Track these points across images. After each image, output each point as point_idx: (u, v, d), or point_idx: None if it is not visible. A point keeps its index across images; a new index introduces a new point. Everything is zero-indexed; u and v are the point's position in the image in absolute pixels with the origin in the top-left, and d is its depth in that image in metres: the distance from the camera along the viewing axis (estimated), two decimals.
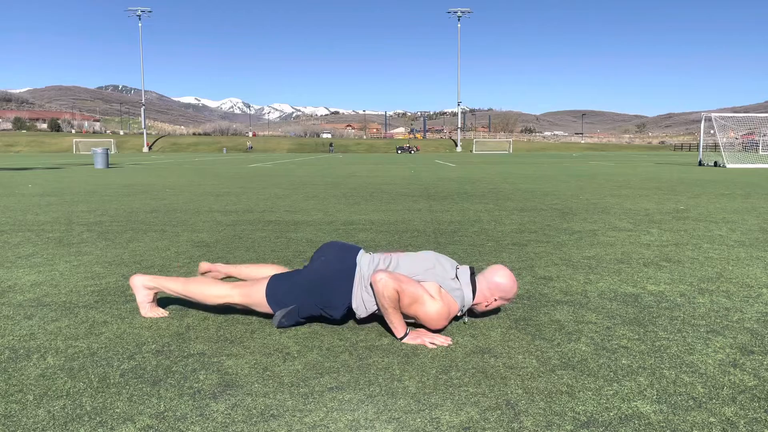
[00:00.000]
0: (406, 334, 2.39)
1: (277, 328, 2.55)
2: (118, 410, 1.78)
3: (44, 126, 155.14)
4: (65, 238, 5.06)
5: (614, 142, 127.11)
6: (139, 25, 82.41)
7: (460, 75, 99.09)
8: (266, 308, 2.54)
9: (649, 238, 4.97)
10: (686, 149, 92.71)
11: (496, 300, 2.58)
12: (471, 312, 2.68)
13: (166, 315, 2.73)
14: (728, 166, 21.79)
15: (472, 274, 2.60)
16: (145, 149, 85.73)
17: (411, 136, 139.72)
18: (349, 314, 2.58)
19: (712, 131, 27.61)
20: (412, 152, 79.12)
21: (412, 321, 2.48)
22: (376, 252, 2.73)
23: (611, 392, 1.91)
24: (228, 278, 3.00)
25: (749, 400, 1.86)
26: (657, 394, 1.89)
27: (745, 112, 29.69)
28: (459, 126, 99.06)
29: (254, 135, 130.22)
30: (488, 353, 2.26)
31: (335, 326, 2.59)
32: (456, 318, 2.65)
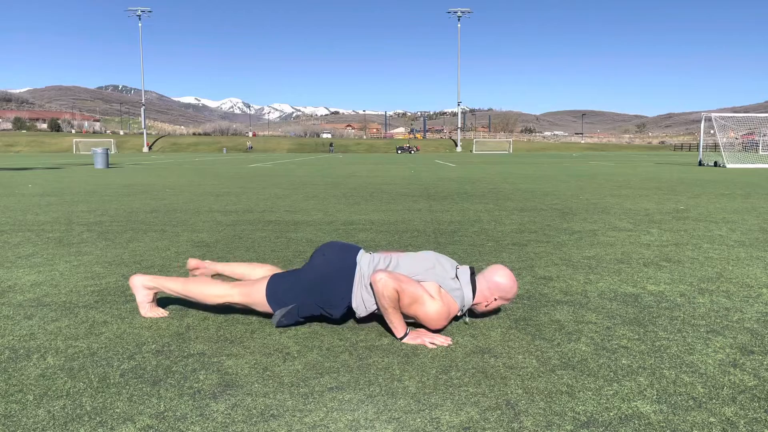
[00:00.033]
0: (406, 334, 2.39)
1: (277, 327, 2.55)
2: (118, 410, 1.78)
3: (44, 126, 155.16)
4: (65, 238, 5.06)
5: (614, 142, 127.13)
6: (139, 25, 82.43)
7: (460, 75, 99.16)
8: (266, 308, 2.55)
9: (649, 238, 4.97)
10: (686, 149, 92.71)
11: (495, 300, 2.58)
12: (471, 312, 2.68)
13: (166, 315, 2.73)
14: (728, 166, 21.79)
15: (472, 274, 2.60)
16: (145, 149, 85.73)
17: (411, 136, 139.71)
18: (349, 313, 2.59)
19: (712, 131, 27.62)
20: (412, 152, 79.12)
21: (412, 321, 2.48)
22: (376, 252, 2.73)
23: (611, 392, 1.91)
24: (217, 276, 2.99)
25: (749, 400, 1.86)
26: (657, 394, 1.89)
27: (745, 112, 29.70)
28: (459, 126, 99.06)
29: (254, 135, 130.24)
30: (488, 353, 2.26)
31: (335, 326, 2.59)
32: (456, 318, 2.65)
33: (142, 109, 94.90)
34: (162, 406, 1.81)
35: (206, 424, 1.70)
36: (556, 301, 3.00)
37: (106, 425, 1.69)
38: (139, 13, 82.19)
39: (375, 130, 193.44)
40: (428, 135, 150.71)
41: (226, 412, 1.77)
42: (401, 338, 2.38)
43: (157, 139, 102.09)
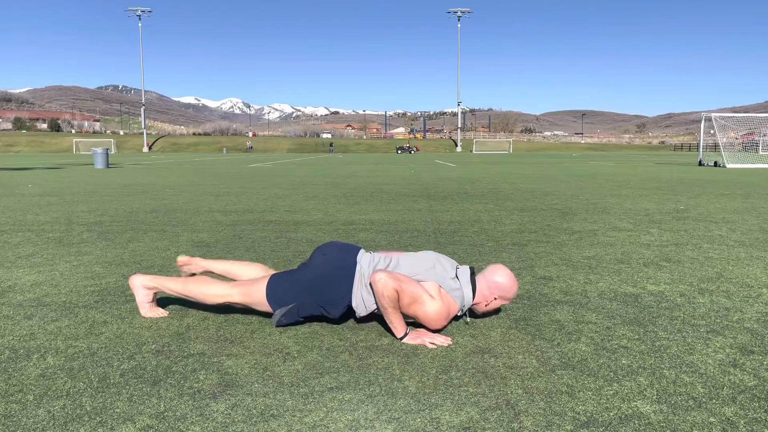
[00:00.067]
0: (406, 334, 2.39)
1: (276, 326, 2.55)
2: (118, 410, 1.78)
3: (44, 126, 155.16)
4: (65, 238, 5.06)
5: (614, 142, 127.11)
6: (139, 25, 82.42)
7: (460, 75, 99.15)
8: (266, 307, 2.55)
9: (649, 238, 4.97)
10: (686, 149, 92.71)
11: (495, 299, 2.58)
12: (471, 312, 2.68)
13: (166, 315, 2.73)
14: (728, 166, 21.79)
15: (472, 274, 2.60)
16: (145, 149, 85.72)
17: (411, 136, 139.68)
18: (349, 313, 2.59)
19: (712, 131, 27.62)
20: (412, 152, 79.11)
21: (412, 321, 2.48)
22: (377, 251, 2.73)
23: (611, 392, 1.91)
24: (207, 273, 2.96)
25: (749, 400, 1.86)
26: (657, 394, 1.89)
27: (745, 112, 29.70)
28: (459, 126, 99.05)
29: (254, 135, 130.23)
30: (488, 353, 2.26)
31: (335, 326, 2.59)
32: (456, 318, 2.65)
33: (142, 109, 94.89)
34: (162, 406, 1.81)
35: (206, 424, 1.70)
36: (556, 301, 3.00)
37: (106, 425, 1.69)
38: (139, 13, 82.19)
39: (375, 130, 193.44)
40: (428, 135, 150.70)
41: (226, 412, 1.77)
42: (401, 338, 2.38)
43: (157, 139, 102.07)
